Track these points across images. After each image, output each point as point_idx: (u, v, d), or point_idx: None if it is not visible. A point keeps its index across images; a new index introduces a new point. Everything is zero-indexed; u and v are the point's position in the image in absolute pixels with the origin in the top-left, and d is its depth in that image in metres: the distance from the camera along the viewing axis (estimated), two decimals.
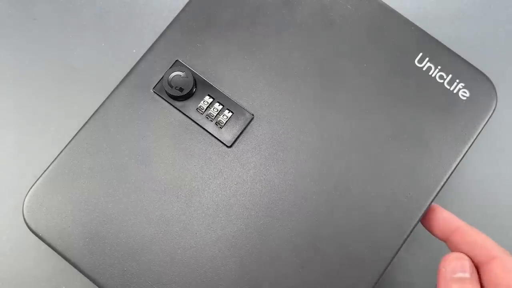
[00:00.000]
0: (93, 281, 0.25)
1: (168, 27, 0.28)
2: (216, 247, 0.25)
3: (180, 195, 0.26)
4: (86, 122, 0.27)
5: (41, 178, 0.26)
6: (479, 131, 0.27)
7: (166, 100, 0.27)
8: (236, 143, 0.27)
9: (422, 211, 0.26)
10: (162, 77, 0.27)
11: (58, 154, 0.27)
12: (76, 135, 0.27)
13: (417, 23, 0.28)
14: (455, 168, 0.26)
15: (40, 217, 0.26)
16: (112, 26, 0.37)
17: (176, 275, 0.25)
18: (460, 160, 0.26)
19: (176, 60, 0.27)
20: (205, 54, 0.28)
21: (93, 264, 0.25)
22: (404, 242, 0.25)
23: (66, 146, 0.27)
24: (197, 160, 0.26)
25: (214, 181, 0.26)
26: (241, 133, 0.27)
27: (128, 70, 0.28)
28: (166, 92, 0.27)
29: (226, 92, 0.27)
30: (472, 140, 0.27)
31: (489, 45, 0.36)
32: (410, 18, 0.29)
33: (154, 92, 0.27)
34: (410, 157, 0.26)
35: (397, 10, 0.29)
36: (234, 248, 0.25)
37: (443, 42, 0.28)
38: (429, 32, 0.28)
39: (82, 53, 0.36)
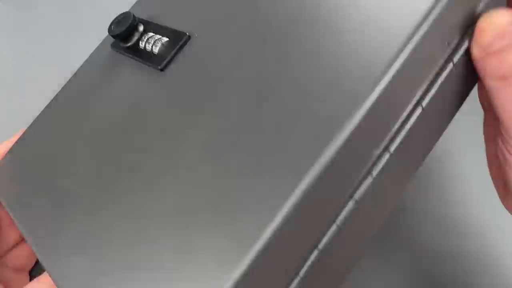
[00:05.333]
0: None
1: None
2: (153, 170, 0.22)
3: (115, 125, 0.25)
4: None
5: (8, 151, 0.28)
6: None
7: (117, 51, 0.28)
8: (170, 65, 0.25)
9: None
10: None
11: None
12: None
13: None
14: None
15: (5, 186, 0.27)
16: None
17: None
18: None
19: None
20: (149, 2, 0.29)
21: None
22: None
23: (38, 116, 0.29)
24: (130, 87, 0.26)
25: (145, 105, 0.24)
26: (175, 55, 0.25)
27: None
28: (116, 43, 0.27)
29: (166, 24, 0.27)
30: None
31: None
32: None
33: (111, 48, 0.28)
34: None
35: None
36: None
37: None
38: None
39: (82, 53, 0.36)
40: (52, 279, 0.21)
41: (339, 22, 0.20)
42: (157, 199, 0.20)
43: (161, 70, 0.25)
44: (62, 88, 0.30)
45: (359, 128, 0.17)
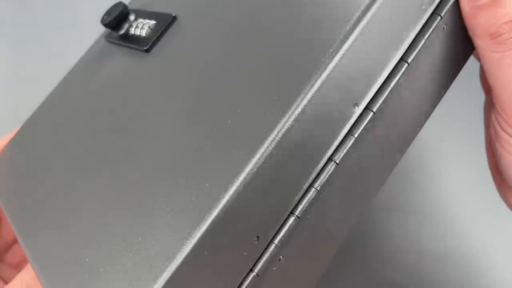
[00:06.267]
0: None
1: None
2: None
3: (104, 109, 0.25)
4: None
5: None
6: None
7: (112, 41, 0.28)
8: (155, 47, 0.25)
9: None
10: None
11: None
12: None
13: None
14: None
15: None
16: None
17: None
18: None
19: None
20: None
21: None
22: None
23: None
24: (118, 71, 0.26)
25: (132, 86, 0.24)
26: (160, 36, 0.25)
27: None
28: (110, 34, 0.28)
29: (158, 10, 0.27)
30: None
31: None
32: None
33: (105, 39, 0.28)
34: None
35: None
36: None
37: None
38: None
39: (82, 53, 0.36)
40: (29, 259, 0.21)
41: None
42: (131, 165, 0.20)
43: (147, 51, 0.25)
44: (58, 84, 0.30)
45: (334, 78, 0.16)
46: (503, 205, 0.23)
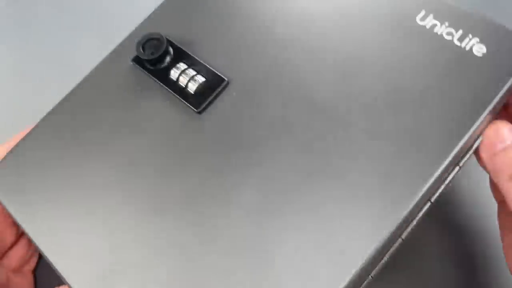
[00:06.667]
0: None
1: (156, 7, 0.29)
2: (185, 215, 0.23)
3: (147, 163, 0.25)
4: (69, 93, 0.28)
5: (12, 149, 0.27)
6: (504, 91, 0.22)
7: (141, 70, 0.27)
8: (207, 109, 0.25)
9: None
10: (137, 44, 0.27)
11: (33, 127, 0.27)
12: (53, 108, 0.28)
13: None
14: (470, 136, 0.22)
15: (8, 187, 0.26)
16: (112, 26, 0.37)
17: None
18: (478, 127, 0.22)
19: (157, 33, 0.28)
20: (181, 21, 0.28)
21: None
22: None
23: (43, 118, 0.28)
24: (166, 126, 0.25)
25: (181, 147, 0.25)
26: (213, 99, 0.25)
27: None
28: (142, 63, 0.27)
29: (201, 58, 0.26)
30: (495, 102, 0.22)
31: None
32: None
33: (133, 63, 0.27)
34: (416, 125, 0.22)
35: None
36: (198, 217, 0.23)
37: None
38: None
39: (82, 53, 0.36)
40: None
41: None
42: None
43: (199, 113, 0.25)
44: (73, 92, 0.28)
45: None
46: None
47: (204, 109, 0.25)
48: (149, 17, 0.29)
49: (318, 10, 0.26)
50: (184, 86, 0.26)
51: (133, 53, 0.27)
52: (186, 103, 0.25)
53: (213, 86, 0.25)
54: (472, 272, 0.28)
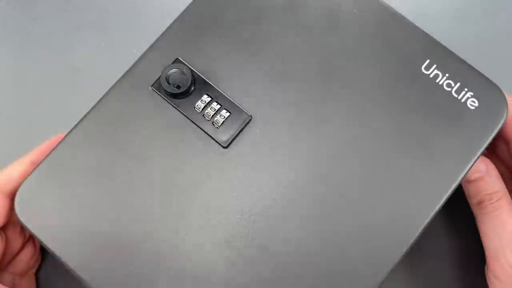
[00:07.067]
0: (81, 279, 0.25)
1: (170, 25, 0.28)
2: (207, 251, 0.25)
3: (172, 195, 0.26)
4: (83, 118, 0.27)
5: (34, 171, 0.26)
6: (487, 142, 0.26)
7: (163, 98, 0.27)
8: (232, 144, 0.26)
9: (424, 224, 0.25)
10: (161, 74, 0.27)
11: (53, 149, 0.26)
12: (71, 130, 0.27)
13: (417, 22, 0.28)
14: (461, 181, 0.25)
15: (32, 211, 0.26)
16: (112, 26, 0.37)
17: (165, 276, 0.25)
18: (467, 172, 0.25)
19: (176, 58, 0.27)
20: (206, 53, 0.27)
21: (82, 262, 0.25)
22: (402, 256, 0.24)
23: (61, 141, 0.27)
24: (192, 160, 0.26)
25: (207, 181, 0.26)
26: (238, 134, 0.26)
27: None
28: (164, 90, 0.26)
29: (225, 91, 0.27)
30: (480, 152, 0.26)
31: (489, 44, 0.36)
32: (410, 17, 0.28)
33: (152, 89, 0.27)
34: (414, 168, 0.25)
35: (397, 8, 0.28)
36: (224, 252, 0.25)
37: (442, 41, 0.28)
38: (428, 30, 0.28)
39: (82, 53, 0.36)
40: None
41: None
42: None
43: (225, 147, 0.26)
44: (89, 118, 0.27)
45: None
46: None
47: (230, 144, 0.26)
48: (166, 35, 0.28)
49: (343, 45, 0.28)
50: (208, 119, 0.27)
51: (152, 76, 0.27)
52: (212, 137, 0.26)
53: (238, 121, 0.26)
54: (471, 272, 0.28)
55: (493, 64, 0.35)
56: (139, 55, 0.28)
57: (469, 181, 0.28)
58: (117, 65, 0.36)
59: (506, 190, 0.28)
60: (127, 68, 0.29)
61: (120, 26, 0.37)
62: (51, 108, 0.35)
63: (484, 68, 0.28)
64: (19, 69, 0.35)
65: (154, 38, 0.29)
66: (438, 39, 0.28)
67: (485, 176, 0.28)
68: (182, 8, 0.28)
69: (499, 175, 0.28)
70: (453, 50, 0.27)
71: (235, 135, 0.26)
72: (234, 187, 0.26)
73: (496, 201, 0.27)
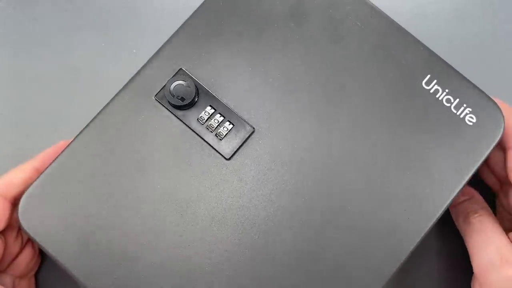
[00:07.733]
0: (84, 286, 0.25)
1: (174, 34, 0.28)
2: (208, 260, 0.25)
3: (175, 206, 0.26)
4: (86, 126, 0.27)
5: (38, 179, 0.26)
6: (484, 158, 0.26)
7: (167, 109, 0.27)
8: (235, 156, 0.27)
9: (421, 237, 0.25)
10: (164, 86, 0.27)
11: (57, 157, 0.26)
12: (75, 138, 0.27)
13: (417, 21, 0.28)
14: (457, 194, 0.26)
15: (35, 219, 0.26)
16: (112, 26, 0.37)
17: (168, 285, 0.25)
18: (463, 187, 0.26)
19: (180, 69, 0.27)
20: (209, 64, 0.27)
21: (85, 269, 0.25)
22: (399, 268, 0.25)
23: (65, 149, 0.27)
24: (195, 171, 0.26)
25: (210, 193, 0.26)
26: (240, 146, 0.27)
27: (128, 70, 0.28)
28: (168, 101, 0.27)
29: (228, 103, 0.27)
30: (476, 167, 0.26)
31: (488, 44, 0.37)
32: (408, 18, 0.28)
33: (156, 99, 0.27)
34: (411, 181, 0.26)
35: (397, 8, 0.28)
36: (226, 262, 0.25)
37: (442, 40, 0.28)
38: (428, 30, 0.28)
39: (82, 53, 0.36)
40: None
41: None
42: None
43: (227, 159, 0.27)
44: (96, 122, 0.27)
45: None
46: None
47: (232, 156, 0.27)
48: (170, 44, 0.28)
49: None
50: (211, 131, 0.27)
51: (155, 86, 0.27)
52: (216, 149, 0.27)
53: (241, 133, 0.27)
54: (471, 272, 0.28)
55: (493, 64, 0.35)
56: (139, 55, 0.28)
57: (457, 203, 0.30)
58: (117, 65, 0.36)
59: (491, 211, 0.29)
60: (127, 68, 0.29)
61: (120, 26, 0.37)
62: (51, 108, 0.35)
63: (483, 68, 0.28)
64: (19, 69, 0.35)
65: (154, 38, 0.29)
66: (437, 39, 0.28)
67: (472, 197, 0.30)
68: (182, 8, 0.28)
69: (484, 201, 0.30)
70: (452, 49, 0.27)
71: (238, 147, 0.26)
72: (237, 199, 0.26)
73: (481, 215, 0.28)
